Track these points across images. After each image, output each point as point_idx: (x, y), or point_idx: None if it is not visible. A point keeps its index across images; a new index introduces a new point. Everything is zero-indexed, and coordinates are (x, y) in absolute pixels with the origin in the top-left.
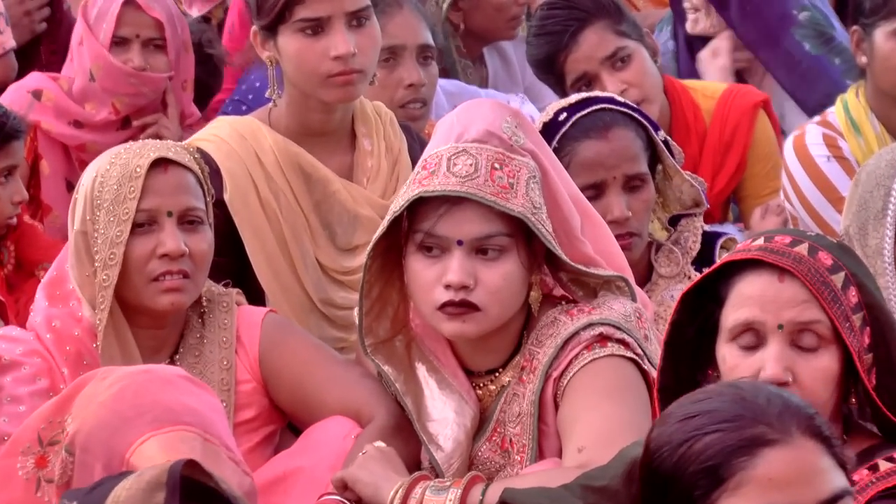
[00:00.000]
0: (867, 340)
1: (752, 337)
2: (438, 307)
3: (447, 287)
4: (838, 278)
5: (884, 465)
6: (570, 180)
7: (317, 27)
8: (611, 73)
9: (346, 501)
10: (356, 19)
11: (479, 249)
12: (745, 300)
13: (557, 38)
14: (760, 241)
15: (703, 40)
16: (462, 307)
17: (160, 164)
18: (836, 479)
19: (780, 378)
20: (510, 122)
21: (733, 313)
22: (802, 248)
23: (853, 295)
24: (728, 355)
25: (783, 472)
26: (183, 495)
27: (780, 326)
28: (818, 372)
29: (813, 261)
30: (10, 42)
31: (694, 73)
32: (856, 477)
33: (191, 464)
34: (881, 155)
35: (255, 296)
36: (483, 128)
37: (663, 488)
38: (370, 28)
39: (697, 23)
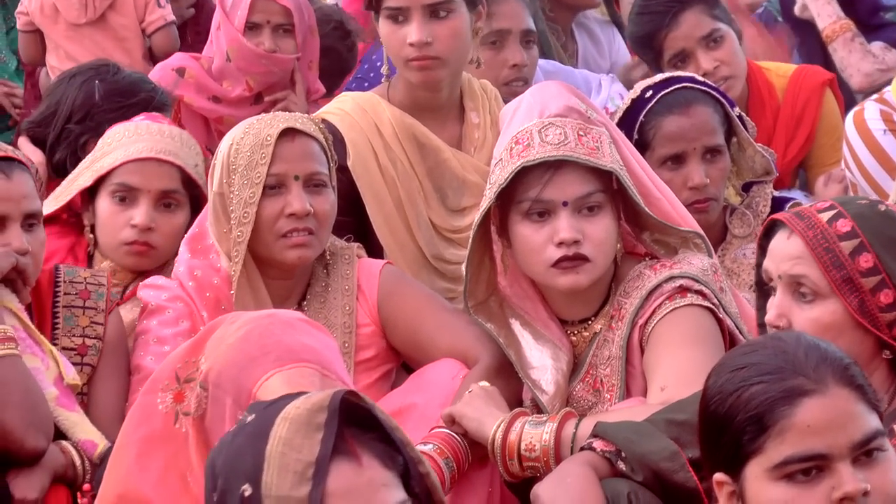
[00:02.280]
0: (882, 300)
1: (773, 283)
2: (552, 264)
3: (559, 245)
4: (849, 244)
5: None
6: (636, 151)
7: (397, 16)
8: (705, 51)
9: (453, 434)
10: (434, 12)
11: (582, 207)
12: (768, 252)
13: (660, 17)
14: (803, 206)
15: None
16: (575, 260)
17: (288, 133)
18: (869, 422)
19: (773, 323)
20: (579, 99)
21: (765, 263)
22: (826, 216)
23: (865, 260)
24: (769, 301)
25: (819, 419)
26: (342, 417)
27: (780, 276)
28: (809, 320)
29: (826, 227)
30: (171, 16)
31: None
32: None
33: (352, 393)
34: None
35: (374, 251)
36: (562, 103)
37: (718, 432)
38: (451, 20)
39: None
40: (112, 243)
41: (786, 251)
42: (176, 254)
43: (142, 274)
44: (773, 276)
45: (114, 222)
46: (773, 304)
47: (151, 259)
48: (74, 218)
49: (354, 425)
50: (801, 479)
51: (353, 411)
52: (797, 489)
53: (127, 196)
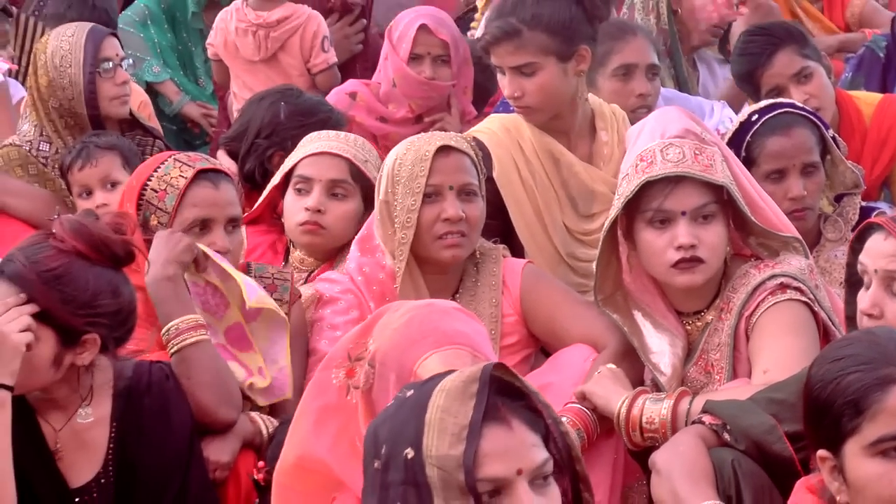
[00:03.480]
0: None
1: (868, 279)
2: (672, 265)
3: (678, 248)
4: None
5: None
6: (743, 167)
7: (502, 71)
8: (797, 86)
9: (584, 409)
10: (520, 70)
11: (698, 216)
12: (865, 251)
13: (756, 58)
14: (894, 213)
15: None
16: (692, 262)
17: (444, 149)
18: None
19: (867, 312)
20: (695, 123)
21: (861, 260)
22: None
23: None
24: (860, 293)
25: None
26: (492, 387)
27: (876, 271)
28: None
29: None
30: (333, 58)
31: None
32: None
33: (500, 366)
34: None
35: (516, 251)
36: (681, 126)
37: (820, 415)
38: (537, 77)
39: None
40: (291, 226)
41: (883, 250)
42: (347, 240)
43: (325, 262)
44: (870, 270)
45: (293, 208)
46: (868, 296)
47: (323, 238)
48: (276, 218)
49: (504, 395)
50: (893, 455)
51: (502, 383)
52: (890, 463)
53: (303, 187)
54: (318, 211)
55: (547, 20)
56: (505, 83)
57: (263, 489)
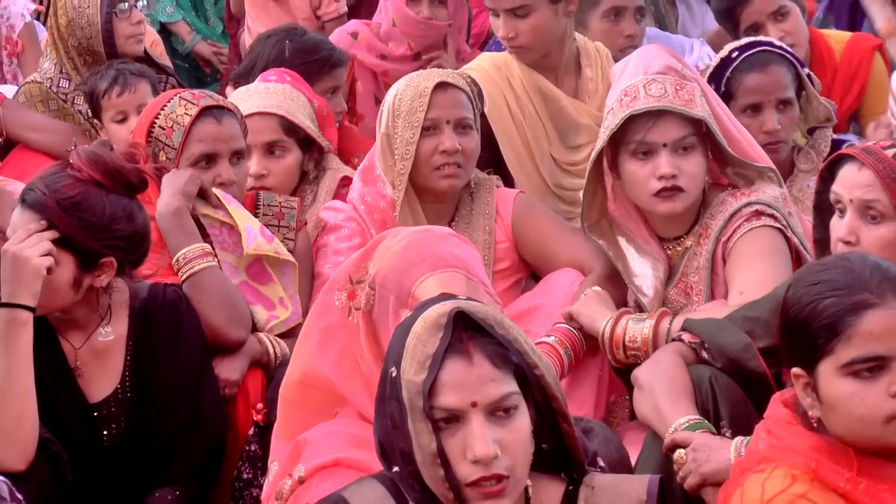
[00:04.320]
0: None
1: (841, 206)
2: (654, 194)
3: (660, 178)
4: None
5: None
6: (721, 102)
7: (496, 13)
8: (774, 23)
9: (571, 328)
10: (514, 12)
11: (678, 148)
12: (838, 181)
13: None
14: (867, 144)
15: None
16: (672, 190)
17: (441, 85)
18: None
19: (844, 239)
20: (676, 60)
21: (832, 189)
22: (891, 151)
23: None
24: (833, 220)
25: (881, 328)
26: (464, 323)
27: (852, 201)
28: (876, 238)
29: (892, 160)
30: (344, 8)
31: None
32: None
33: (477, 307)
34: None
35: (506, 181)
36: (662, 63)
37: (796, 335)
38: (531, 18)
39: None
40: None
41: (858, 180)
42: (294, 186)
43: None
44: (845, 199)
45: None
46: (844, 224)
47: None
48: None
49: (477, 331)
50: (865, 376)
51: (480, 322)
52: (861, 384)
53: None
54: (262, 175)
55: None
56: (499, 25)
57: (263, 429)
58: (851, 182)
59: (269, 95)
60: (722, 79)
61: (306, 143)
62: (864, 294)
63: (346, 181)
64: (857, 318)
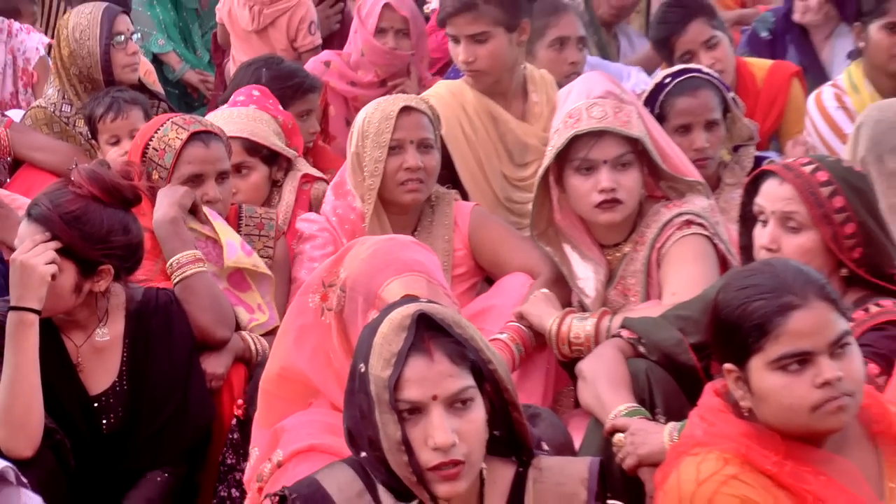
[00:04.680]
0: (847, 231)
1: (764, 218)
2: (596, 205)
3: (601, 191)
4: (826, 189)
5: (873, 308)
6: (656, 122)
7: (456, 39)
8: (706, 52)
9: (522, 327)
10: (475, 39)
11: (617, 164)
12: (761, 195)
13: (673, 26)
14: (786, 161)
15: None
16: (612, 202)
17: (406, 109)
18: (840, 326)
19: (767, 247)
20: (615, 85)
21: (755, 201)
22: (808, 168)
23: (838, 202)
24: (756, 230)
25: (805, 327)
26: (426, 324)
27: (773, 213)
28: (795, 246)
29: (810, 175)
30: (319, 41)
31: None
32: (855, 316)
33: (439, 308)
34: (887, 107)
35: (463, 195)
36: (603, 88)
37: (728, 335)
38: (489, 44)
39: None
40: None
41: (779, 193)
42: (264, 199)
43: None
44: (767, 211)
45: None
46: (767, 233)
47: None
48: None
49: (438, 331)
50: (792, 370)
51: (440, 323)
52: (790, 377)
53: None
54: (233, 193)
55: None
56: (458, 51)
57: (243, 422)
58: (773, 195)
59: (233, 120)
60: (656, 102)
61: (271, 158)
62: (789, 296)
63: (306, 178)
64: (784, 318)
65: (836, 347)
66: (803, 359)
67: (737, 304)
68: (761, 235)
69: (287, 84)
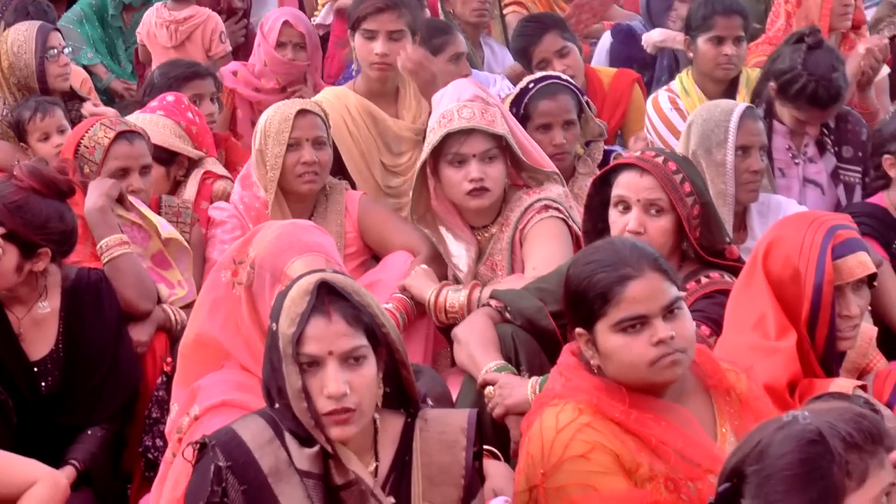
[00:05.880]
0: (695, 212)
1: (624, 205)
2: (466, 193)
3: (471, 181)
4: (678, 177)
5: (704, 280)
6: (517, 122)
7: (370, 36)
8: (558, 59)
9: (405, 298)
10: (391, 36)
11: (485, 158)
12: (622, 185)
13: (530, 38)
14: (637, 154)
15: None
16: (481, 190)
17: (302, 112)
18: (672, 292)
19: (634, 230)
20: (482, 90)
21: (615, 192)
22: (659, 159)
23: (687, 187)
24: (612, 215)
25: (641, 294)
26: (327, 290)
27: (639, 201)
28: (659, 227)
29: (663, 166)
30: (229, 48)
31: None
32: (688, 287)
33: (339, 278)
34: (713, 107)
35: (350, 184)
36: (471, 93)
37: (577, 303)
38: (401, 43)
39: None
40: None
41: (642, 184)
42: (164, 192)
43: None
44: (631, 200)
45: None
46: (634, 218)
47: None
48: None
49: (338, 297)
50: (631, 331)
51: (339, 290)
52: (629, 337)
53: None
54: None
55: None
56: (373, 47)
57: (167, 381)
58: (636, 186)
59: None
60: (521, 104)
61: (168, 159)
62: (626, 269)
63: (207, 174)
64: (622, 287)
65: (668, 311)
66: (640, 322)
67: (583, 277)
68: (623, 221)
69: (175, 72)
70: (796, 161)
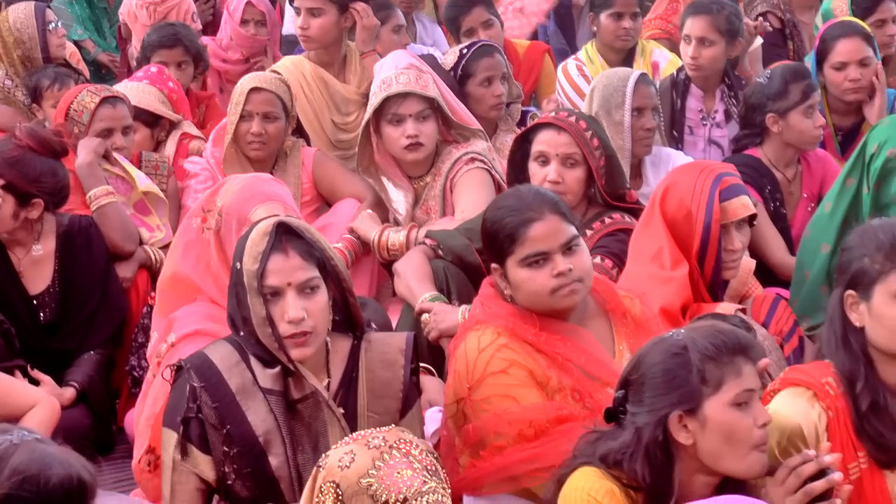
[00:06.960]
0: (601, 163)
1: (543, 159)
2: (404, 147)
3: (408, 137)
4: (588, 133)
5: (608, 220)
6: (446, 87)
7: (299, 11)
8: (483, 30)
9: (353, 238)
10: (312, 12)
11: (419, 117)
12: (542, 142)
13: (460, 9)
14: (552, 114)
15: None
16: (416, 145)
17: (255, 89)
18: (570, 231)
19: (556, 179)
20: (416, 59)
21: (535, 147)
22: (572, 118)
23: (595, 142)
24: (533, 168)
25: (542, 234)
26: (285, 231)
27: (557, 155)
28: (574, 177)
29: (576, 124)
30: (199, 26)
31: None
32: (594, 226)
33: (296, 221)
34: (612, 74)
35: (306, 141)
36: (407, 62)
37: (491, 241)
38: (320, 18)
39: None
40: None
41: (559, 140)
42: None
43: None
44: (551, 154)
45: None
46: (553, 170)
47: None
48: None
49: (293, 236)
50: (535, 266)
51: (292, 229)
52: (534, 271)
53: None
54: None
55: None
56: (297, 21)
57: (151, 310)
58: (555, 142)
59: (125, 92)
60: (460, 65)
61: (152, 122)
62: (529, 212)
63: (184, 135)
64: (526, 228)
65: (567, 248)
66: (542, 257)
67: (495, 220)
68: (543, 172)
69: (156, 36)
70: (704, 123)
